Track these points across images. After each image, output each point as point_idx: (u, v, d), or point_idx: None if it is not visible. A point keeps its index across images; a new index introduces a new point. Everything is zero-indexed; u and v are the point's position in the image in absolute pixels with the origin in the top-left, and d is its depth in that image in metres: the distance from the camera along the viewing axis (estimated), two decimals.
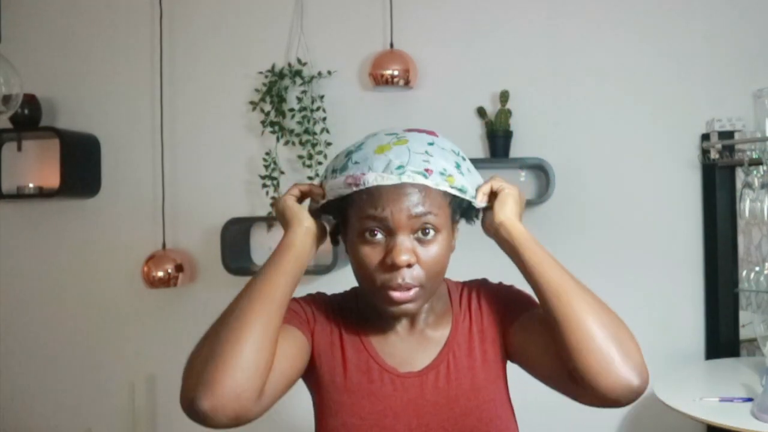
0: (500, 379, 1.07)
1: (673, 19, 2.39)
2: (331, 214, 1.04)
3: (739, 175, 2.31)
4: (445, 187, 0.96)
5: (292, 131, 2.44)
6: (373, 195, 0.95)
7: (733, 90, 2.34)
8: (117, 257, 2.60)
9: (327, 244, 1.10)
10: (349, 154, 1.00)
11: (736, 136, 2.26)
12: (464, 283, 1.14)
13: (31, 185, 2.57)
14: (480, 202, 1.02)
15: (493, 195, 1.03)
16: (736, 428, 1.68)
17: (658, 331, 2.31)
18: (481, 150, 2.45)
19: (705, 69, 2.37)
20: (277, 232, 2.44)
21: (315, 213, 1.04)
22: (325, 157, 2.40)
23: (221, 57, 2.56)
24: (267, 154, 2.43)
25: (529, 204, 2.37)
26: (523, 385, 1.24)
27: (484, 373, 1.05)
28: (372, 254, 0.96)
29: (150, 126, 2.58)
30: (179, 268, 2.46)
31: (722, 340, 2.31)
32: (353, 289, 1.13)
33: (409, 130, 1.02)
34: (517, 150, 2.40)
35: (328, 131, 2.43)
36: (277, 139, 2.43)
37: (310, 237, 1.02)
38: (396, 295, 0.96)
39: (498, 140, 2.37)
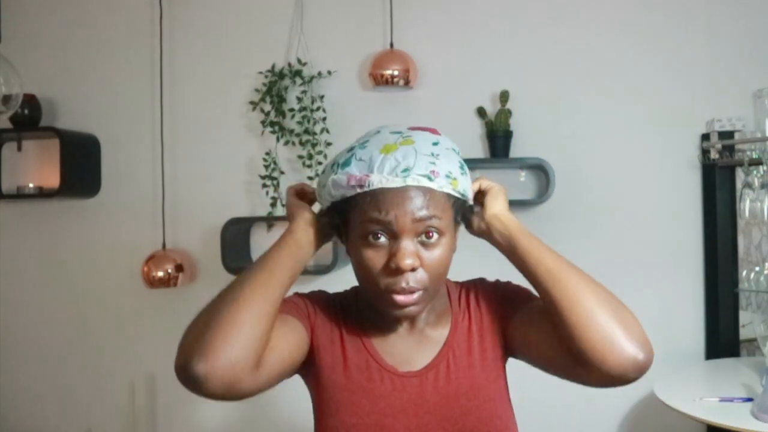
0: (500, 379, 1.07)
1: (673, 19, 2.39)
2: (334, 214, 1.04)
3: (739, 175, 2.31)
4: (448, 189, 0.97)
5: (292, 131, 2.44)
6: (377, 198, 0.94)
7: (733, 90, 2.34)
8: (117, 257, 2.60)
9: (327, 244, 1.10)
10: (352, 150, 0.99)
11: (736, 136, 2.26)
12: (462, 283, 1.14)
13: (31, 185, 2.57)
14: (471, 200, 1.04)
15: (480, 194, 1.07)
16: (736, 428, 1.67)
17: (658, 331, 2.29)
18: (481, 150, 2.45)
19: (705, 69, 2.37)
20: (277, 232, 2.45)
21: (321, 211, 1.05)
22: (325, 157, 2.40)
23: (221, 57, 2.56)
24: (267, 154, 2.43)
25: (529, 204, 2.37)
26: (523, 385, 1.25)
27: (483, 373, 1.05)
28: (375, 257, 0.96)
29: (150, 126, 2.58)
30: (179, 268, 2.46)
31: (722, 340, 2.31)
32: (353, 289, 1.13)
33: (413, 128, 1.02)
34: (517, 150, 2.40)
35: (328, 131, 2.43)
36: (277, 139, 2.43)
37: (312, 228, 1.04)
38: (400, 298, 0.96)
39: (498, 140, 2.37)
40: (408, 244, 0.95)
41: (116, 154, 2.62)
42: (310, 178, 2.38)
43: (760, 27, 2.35)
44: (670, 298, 2.36)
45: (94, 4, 2.64)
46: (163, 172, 2.55)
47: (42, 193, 2.55)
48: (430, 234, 0.96)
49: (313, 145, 2.41)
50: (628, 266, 2.35)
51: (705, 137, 2.34)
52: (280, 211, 2.40)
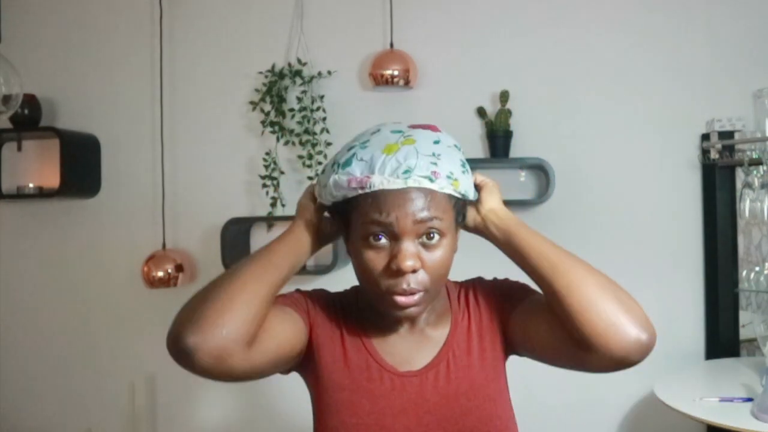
0: (500, 379, 1.07)
1: (673, 19, 2.39)
2: (335, 213, 1.04)
3: (739, 175, 2.31)
4: (450, 190, 0.97)
5: (292, 131, 2.44)
6: (378, 199, 0.94)
7: (733, 90, 2.34)
8: (117, 257, 2.60)
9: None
10: (353, 149, 0.99)
11: (736, 136, 2.26)
12: (461, 283, 1.15)
13: (31, 185, 2.57)
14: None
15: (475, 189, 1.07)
16: (736, 428, 1.67)
17: (658, 331, 2.28)
18: (481, 150, 2.45)
19: (705, 69, 2.37)
20: (277, 232, 2.44)
21: (321, 209, 1.06)
22: (325, 157, 2.40)
23: (221, 57, 2.56)
24: (267, 154, 2.43)
25: (529, 204, 2.37)
26: (523, 385, 1.25)
27: (483, 373, 1.05)
28: (376, 259, 0.96)
29: (150, 126, 2.58)
30: (179, 268, 2.46)
31: (722, 340, 2.31)
32: (353, 288, 1.13)
33: (414, 126, 1.02)
34: (517, 150, 2.40)
35: (328, 131, 2.43)
36: (277, 139, 2.43)
37: (312, 229, 1.05)
38: (401, 299, 0.96)
39: (498, 140, 2.37)
40: (409, 246, 0.95)
41: (116, 154, 2.62)
42: (310, 178, 2.38)
43: (760, 27, 2.35)
44: (670, 298, 2.36)
45: (94, 4, 2.64)
46: (163, 172, 2.55)
47: (42, 193, 2.55)
48: (431, 235, 0.96)
49: (313, 145, 2.41)
50: (628, 266, 2.33)
51: (705, 137, 2.34)
52: (280, 211, 2.40)
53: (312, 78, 2.45)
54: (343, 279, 1.19)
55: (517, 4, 2.45)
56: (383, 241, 0.96)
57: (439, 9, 2.48)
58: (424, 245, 0.96)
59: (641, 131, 2.40)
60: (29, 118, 2.51)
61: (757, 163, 2.16)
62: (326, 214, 1.07)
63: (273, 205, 2.40)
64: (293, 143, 2.44)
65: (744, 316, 2.32)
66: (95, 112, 2.62)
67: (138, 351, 2.56)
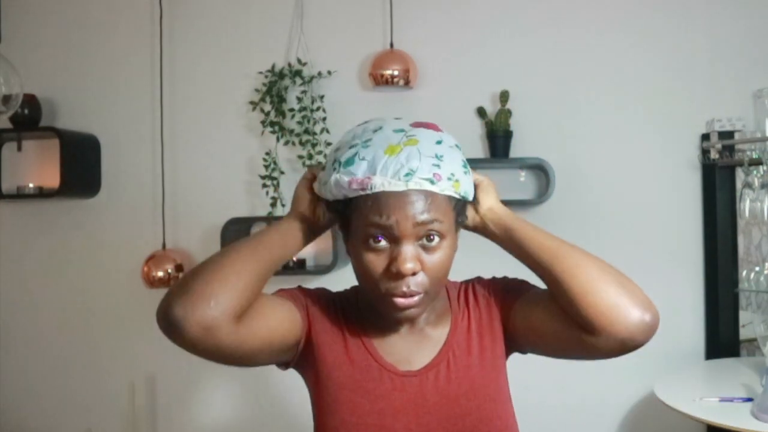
0: (500, 378, 1.07)
1: (673, 19, 2.39)
2: (335, 212, 1.03)
3: (739, 175, 2.31)
4: (450, 192, 0.96)
5: (292, 131, 2.44)
6: (379, 201, 0.94)
7: (733, 90, 2.34)
8: (117, 257, 2.60)
9: (327, 244, 1.10)
10: (354, 147, 0.98)
11: (736, 136, 2.26)
12: (460, 283, 1.15)
13: (31, 185, 2.57)
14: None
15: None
16: (736, 428, 1.68)
17: (658, 331, 2.30)
18: (481, 150, 2.45)
19: (705, 69, 2.37)
20: None
21: (317, 200, 1.05)
22: (325, 157, 2.40)
23: (221, 57, 2.56)
24: (267, 154, 2.43)
25: (529, 204, 2.37)
26: (523, 385, 1.25)
27: (483, 372, 1.05)
28: (376, 261, 0.96)
29: (150, 126, 2.58)
30: (179, 268, 2.46)
31: (722, 340, 2.31)
32: (353, 288, 1.13)
33: (416, 125, 1.01)
34: (517, 150, 2.40)
35: (328, 131, 2.43)
36: (277, 139, 2.43)
37: (305, 220, 1.05)
38: (401, 301, 0.96)
39: (498, 140, 2.37)
40: (409, 249, 0.95)
41: (116, 154, 2.62)
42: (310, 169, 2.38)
43: (760, 27, 2.35)
44: (670, 298, 2.35)
45: (94, 4, 2.64)
46: (163, 172, 2.55)
47: (42, 193, 2.55)
48: (431, 237, 0.96)
49: (313, 145, 2.41)
50: (627, 266, 2.31)
51: (705, 137, 2.34)
52: (280, 211, 2.40)
53: (312, 78, 2.45)
54: (343, 279, 1.19)
55: (517, 4, 2.45)
56: (383, 243, 0.96)
57: (439, 9, 2.48)
58: (424, 247, 0.96)
59: (641, 131, 2.40)
60: (29, 118, 2.51)
61: (757, 163, 2.16)
62: (323, 206, 1.06)
63: (273, 205, 2.40)
64: (293, 143, 2.44)
65: (744, 316, 2.32)
66: (95, 112, 2.62)
67: (138, 351, 2.56)
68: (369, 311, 1.06)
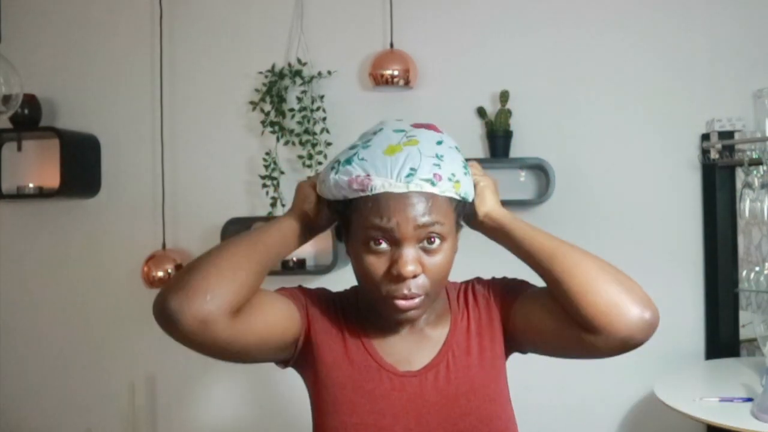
0: (500, 379, 1.07)
1: (673, 19, 2.39)
2: (335, 213, 1.03)
3: (739, 175, 2.31)
4: (451, 193, 0.96)
5: (292, 131, 2.44)
6: (379, 203, 0.94)
7: (733, 90, 2.34)
8: (117, 257, 2.60)
9: (327, 244, 1.10)
10: (355, 147, 0.99)
11: (736, 136, 2.26)
12: (460, 283, 1.15)
13: (31, 185, 2.57)
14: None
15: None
16: (736, 428, 1.68)
17: (658, 331, 2.29)
18: (481, 150, 2.45)
19: (705, 69, 2.37)
20: None
21: (321, 201, 1.05)
22: (325, 157, 2.40)
23: (221, 57, 2.56)
24: (267, 154, 2.43)
25: (529, 204, 2.37)
26: (523, 385, 1.25)
27: (483, 373, 1.05)
28: (377, 263, 0.96)
29: (150, 126, 2.58)
30: (179, 268, 2.46)
31: (722, 340, 2.31)
32: (353, 288, 1.13)
33: (416, 126, 1.01)
34: (517, 150, 2.40)
35: (328, 131, 2.43)
36: (277, 139, 2.43)
37: (306, 219, 1.05)
38: (401, 303, 0.96)
39: (498, 140, 2.37)
40: (410, 251, 0.95)
41: (116, 154, 2.62)
42: (310, 178, 2.38)
43: (760, 27, 2.35)
44: (670, 298, 2.35)
45: (94, 4, 2.64)
46: (163, 172, 2.55)
47: (42, 193, 2.55)
48: (432, 239, 0.96)
49: (313, 145, 2.41)
50: (627, 266, 2.32)
51: (705, 137, 2.34)
52: (280, 211, 2.40)
53: (312, 78, 2.45)
54: (343, 279, 1.19)
55: (517, 4, 2.45)
56: (384, 245, 0.96)
57: (439, 9, 2.48)
58: (425, 250, 0.96)
59: (641, 131, 2.40)
60: (29, 118, 2.51)
61: (757, 163, 2.16)
62: (325, 206, 1.06)
63: (273, 205, 2.40)
64: (293, 143, 2.44)
65: (744, 316, 2.32)
66: (95, 112, 2.62)
67: (138, 351, 2.56)
68: (369, 311, 1.06)
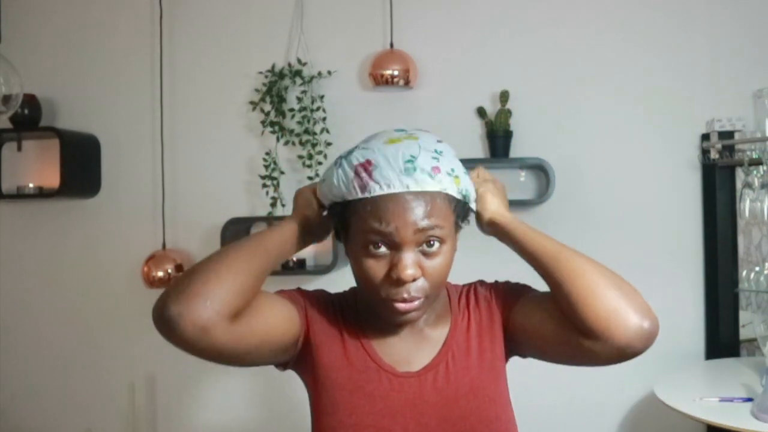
0: (500, 380, 1.07)
1: (673, 19, 2.39)
2: (335, 216, 1.03)
3: (739, 175, 2.31)
4: (452, 190, 0.97)
5: (292, 131, 2.44)
6: (378, 207, 0.94)
7: (733, 90, 2.34)
8: (117, 257, 2.60)
9: (327, 244, 1.11)
10: (356, 147, 1.00)
11: (736, 136, 2.26)
12: (462, 286, 1.15)
13: (31, 185, 2.57)
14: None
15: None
16: (736, 428, 1.67)
17: (658, 332, 2.31)
18: (481, 150, 2.45)
19: (705, 69, 2.37)
20: None
21: (322, 208, 1.06)
22: (325, 157, 2.40)
23: (221, 57, 2.56)
24: (267, 154, 2.43)
25: (529, 204, 2.37)
26: (523, 386, 1.25)
27: (483, 374, 1.05)
28: (376, 267, 0.96)
29: (150, 126, 2.58)
30: (179, 268, 2.46)
31: (722, 340, 2.31)
32: (352, 289, 1.13)
33: (418, 130, 1.03)
34: (517, 150, 2.40)
35: (328, 131, 2.43)
36: (277, 139, 2.43)
37: (306, 226, 1.06)
38: (401, 306, 0.96)
39: (498, 140, 2.37)
40: (409, 255, 0.95)
41: (116, 154, 2.62)
42: (310, 178, 2.38)
43: (760, 27, 2.35)
44: (670, 298, 2.36)
45: (94, 4, 2.64)
46: (163, 172, 2.55)
47: (42, 193, 2.55)
48: (432, 243, 0.96)
49: (313, 145, 2.41)
50: (627, 266, 2.31)
51: (705, 137, 2.34)
52: (280, 211, 2.40)
53: (312, 78, 2.45)
54: (343, 279, 1.19)
55: (517, 4, 2.45)
56: (383, 249, 0.96)
57: (439, 9, 2.48)
58: (424, 253, 0.96)
59: (641, 131, 2.40)
60: (29, 118, 2.51)
61: (757, 163, 2.16)
62: (325, 213, 1.07)
63: (273, 205, 2.40)
64: (293, 143, 2.44)
65: (744, 316, 2.32)
66: (95, 112, 2.62)
67: (138, 351, 2.56)
68: (368, 312, 1.06)
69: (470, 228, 1.09)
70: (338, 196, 0.99)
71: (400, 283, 0.95)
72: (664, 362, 2.24)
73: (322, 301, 1.10)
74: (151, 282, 2.44)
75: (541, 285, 1.03)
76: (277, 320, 1.00)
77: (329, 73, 2.46)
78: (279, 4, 2.53)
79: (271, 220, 2.41)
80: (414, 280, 0.95)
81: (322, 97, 2.45)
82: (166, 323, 0.88)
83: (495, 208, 1.06)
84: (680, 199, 2.39)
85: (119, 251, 2.60)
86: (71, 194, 2.54)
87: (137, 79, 2.60)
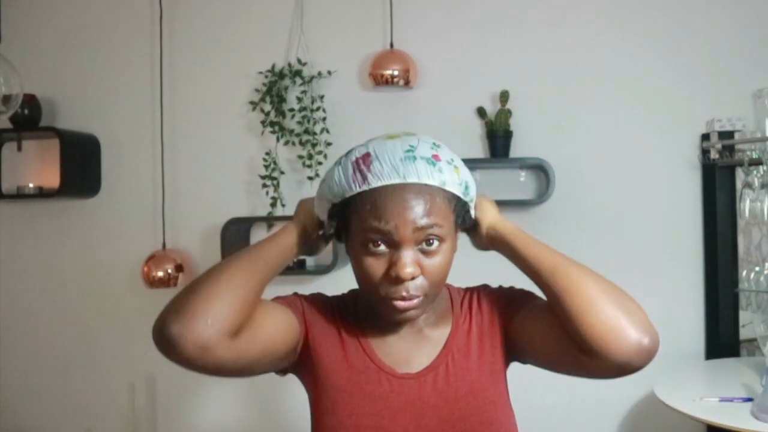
0: (500, 382, 1.07)
1: (673, 19, 2.39)
2: (334, 216, 1.03)
3: (739, 175, 2.31)
4: (452, 180, 0.97)
5: (292, 131, 2.44)
6: (378, 205, 0.94)
7: (733, 90, 2.34)
8: (117, 257, 2.60)
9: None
10: (355, 147, 1.02)
11: (736, 136, 2.26)
12: (466, 289, 1.15)
13: (31, 185, 2.57)
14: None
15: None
16: (736, 428, 1.67)
17: (658, 332, 2.31)
18: (481, 150, 2.45)
19: (705, 69, 2.37)
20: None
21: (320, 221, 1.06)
22: (325, 157, 2.40)
23: (221, 57, 2.56)
24: (267, 154, 2.43)
25: (529, 204, 2.37)
26: (523, 386, 1.24)
27: (483, 376, 1.05)
28: (375, 265, 0.96)
29: (150, 126, 2.58)
30: (179, 268, 2.47)
31: (722, 340, 2.31)
32: (351, 292, 1.13)
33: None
34: (517, 150, 2.40)
35: (328, 131, 2.43)
36: (277, 139, 2.43)
37: (305, 236, 1.06)
38: (400, 304, 0.96)
39: (498, 140, 2.37)
40: (408, 254, 0.95)
41: (116, 154, 2.62)
42: (310, 178, 2.38)
43: (760, 27, 2.35)
44: (670, 298, 2.36)
45: (94, 4, 2.64)
46: (163, 172, 2.55)
47: (42, 193, 2.55)
48: (431, 241, 0.96)
49: (313, 145, 2.41)
50: (627, 266, 2.34)
51: (705, 137, 2.34)
52: (280, 211, 2.40)
53: (312, 78, 2.45)
54: (343, 279, 1.20)
55: (517, 4, 2.45)
56: (382, 248, 0.96)
57: (439, 9, 2.48)
58: (424, 251, 0.96)
59: (641, 131, 2.40)
60: (29, 118, 2.51)
61: (757, 163, 2.16)
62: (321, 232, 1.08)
63: (273, 205, 2.40)
64: (293, 143, 2.44)
65: (744, 316, 2.32)
66: (95, 112, 2.62)
67: (138, 351, 2.56)
68: (367, 313, 1.06)
69: (475, 248, 1.09)
70: (338, 194, 0.99)
71: (399, 281, 0.95)
72: (664, 362, 2.21)
73: (320, 303, 1.10)
74: (151, 282, 2.44)
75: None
76: (277, 329, 1.00)
77: (329, 73, 2.46)
78: (279, 4, 2.53)
79: (271, 220, 2.41)
80: (413, 278, 0.95)
81: (322, 97, 2.45)
82: (166, 342, 0.88)
83: (495, 214, 1.07)
84: (680, 199, 2.39)
85: (119, 251, 2.60)
86: (71, 194, 2.54)
87: (137, 79, 2.60)
